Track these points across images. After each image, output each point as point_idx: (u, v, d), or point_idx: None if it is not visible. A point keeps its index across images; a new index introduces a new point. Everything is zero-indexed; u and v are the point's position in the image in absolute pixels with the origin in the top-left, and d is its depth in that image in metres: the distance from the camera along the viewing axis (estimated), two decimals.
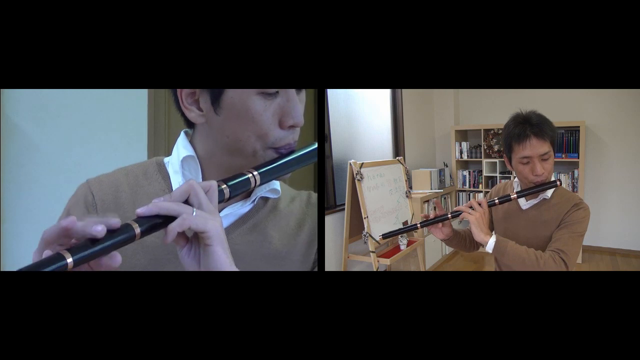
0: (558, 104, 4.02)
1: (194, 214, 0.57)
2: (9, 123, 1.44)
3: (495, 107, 4.59)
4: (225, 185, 0.62)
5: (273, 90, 0.69)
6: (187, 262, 0.62)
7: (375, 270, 2.78)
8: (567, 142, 4.05)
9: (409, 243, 3.14)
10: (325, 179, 2.87)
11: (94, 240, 0.54)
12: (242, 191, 0.65)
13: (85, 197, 0.71)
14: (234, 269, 0.62)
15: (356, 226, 2.82)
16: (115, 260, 0.57)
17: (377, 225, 2.81)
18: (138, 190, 0.73)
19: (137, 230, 0.57)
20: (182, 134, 0.76)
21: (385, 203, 3.00)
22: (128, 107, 1.69)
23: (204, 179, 0.68)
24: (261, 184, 0.66)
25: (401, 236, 3.07)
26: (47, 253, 0.53)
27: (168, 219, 0.57)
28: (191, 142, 0.74)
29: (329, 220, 2.87)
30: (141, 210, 0.58)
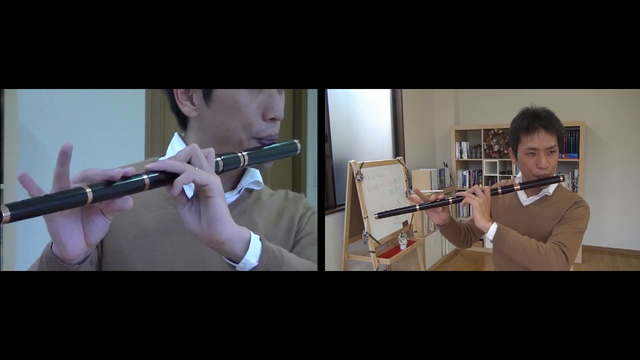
0: (558, 104, 3.98)
1: (197, 170, 0.64)
2: (24, 131, 1.67)
3: (495, 107, 4.58)
4: (219, 158, 0.71)
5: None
6: (189, 218, 0.66)
7: (375, 270, 2.78)
8: (567, 142, 4.04)
9: (409, 243, 3.14)
10: (325, 179, 2.87)
11: (110, 183, 0.62)
12: (233, 167, 0.73)
13: None
14: (232, 221, 0.67)
15: (356, 226, 2.82)
16: (127, 203, 0.63)
17: (377, 225, 2.81)
18: None
19: (147, 180, 0.64)
20: (176, 135, 0.85)
21: (385, 203, 3.00)
22: (127, 113, 1.91)
23: None
24: (249, 164, 0.75)
25: (401, 236, 3.07)
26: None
27: (172, 175, 0.64)
28: (184, 141, 0.83)
29: (329, 220, 2.87)
30: (150, 166, 0.64)
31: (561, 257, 1.19)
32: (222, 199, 0.65)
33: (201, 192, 0.65)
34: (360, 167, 2.77)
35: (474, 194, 1.24)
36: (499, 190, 1.29)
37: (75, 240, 0.62)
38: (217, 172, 0.69)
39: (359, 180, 2.74)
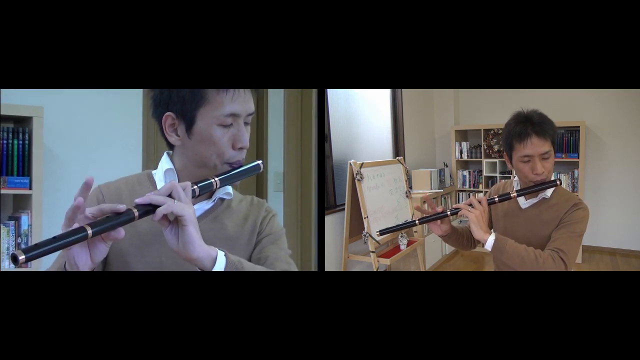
0: (558, 104, 4.02)
1: (175, 203, 0.81)
2: (49, 151, 2.18)
3: (495, 107, 4.58)
4: (196, 186, 0.88)
5: (229, 123, 0.93)
6: (169, 238, 0.82)
7: (375, 270, 2.78)
8: (567, 142, 4.05)
9: (409, 243, 3.14)
10: (325, 179, 2.87)
11: (106, 219, 0.78)
12: (207, 190, 0.91)
13: (97, 197, 0.98)
14: (202, 243, 0.82)
15: (356, 226, 2.82)
16: (120, 234, 0.80)
17: (377, 225, 2.81)
18: (134, 193, 0.97)
19: (136, 213, 0.80)
20: (165, 154, 1.01)
21: (385, 203, 3.00)
22: (128, 134, 2.43)
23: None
24: (220, 186, 0.93)
25: (401, 236, 3.07)
26: (75, 225, 0.76)
27: (156, 206, 0.81)
28: (171, 159, 1.00)
29: (329, 220, 2.87)
30: (139, 200, 0.81)
31: (559, 264, 1.20)
32: (194, 227, 0.81)
33: (178, 220, 0.81)
34: (360, 167, 2.77)
35: (471, 205, 1.25)
36: (496, 199, 1.29)
37: (84, 261, 0.79)
38: (195, 196, 0.87)
39: (359, 180, 2.74)
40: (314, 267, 2.85)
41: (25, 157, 2.01)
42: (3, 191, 1.93)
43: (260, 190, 2.85)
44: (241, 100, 0.93)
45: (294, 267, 0.98)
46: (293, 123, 2.84)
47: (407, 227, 1.34)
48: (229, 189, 1.01)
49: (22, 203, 2.07)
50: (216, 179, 0.91)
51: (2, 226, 1.96)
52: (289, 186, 2.84)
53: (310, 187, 2.84)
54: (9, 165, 1.97)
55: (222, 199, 1.02)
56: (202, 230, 0.85)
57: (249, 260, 0.98)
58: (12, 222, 2.00)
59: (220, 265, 0.83)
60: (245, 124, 0.96)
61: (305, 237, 2.85)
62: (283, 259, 0.98)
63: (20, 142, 2.01)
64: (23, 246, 1.78)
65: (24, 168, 2.00)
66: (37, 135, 2.01)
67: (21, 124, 2.06)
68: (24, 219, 2.00)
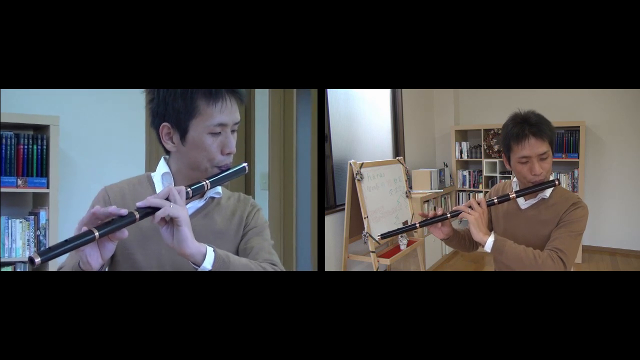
0: (558, 104, 4.02)
1: (171, 206, 0.92)
2: (64, 155, 2.48)
3: (495, 107, 4.58)
4: (189, 189, 0.99)
5: (218, 131, 1.05)
6: (165, 236, 0.93)
7: (375, 270, 2.78)
8: (567, 142, 4.04)
9: (409, 243, 3.14)
10: (325, 179, 2.87)
11: (110, 222, 0.89)
12: (200, 192, 1.04)
13: (104, 197, 1.10)
14: (194, 241, 0.93)
15: (356, 226, 2.82)
16: (124, 234, 0.91)
17: (377, 225, 2.81)
18: (135, 193, 1.10)
19: (137, 215, 0.91)
20: (162, 159, 1.14)
21: (385, 203, 3.00)
22: (132, 140, 2.75)
23: (175, 185, 1.06)
24: (211, 188, 1.05)
25: (401, 236, 3.07)
26: (84, 228, 0.88)
27: (155, 209, 0.92)
28: (167, 163, 1.12)
29: (329, 220, 2.87)
30: (140, 203, 0.93)
31: (558, 264, 1.20)
32: (188, 227, 0.93)
33: (173, 221, 0.92)
34: (360, 167, 2.77)
35: (470, 207, 1.25)
36: (495, 201, 1.30)
37: (95, 259, 0.90)
38: (188, 197, 0.98)
39: (359, 180, 2.74)
40: (294, 259, 3.07)
41: (44, 160, 2.31)
42: (24, 190, 2.29)
43: (248, 189, 3.19)
44: (228, 112, 1.04)
45: (275, 257, 1.08)
46: (277, 129, 3.22)
47: (408, 230, 1.33)
48: (219, 188, 1.14)
49: (40, 200, 2.36)
50: (207, 181, 1.03)
51: (23, 220, 2.30)
52: (273, 185, 3.20)
53: (292, 186, 3.21)
54: (29, 168, 2.29)
55: (212, 198, 1.14)
56: (195, 225, 0.96)
57: (237, 249, 1.11)
58: (31, 217, 2.31)
59: (209, 260, 0.93)
60: (232, 131, 1.08)
61: (288, 231, 3.18)
62: (266, 248, 1.10)
63: (39, 147, 2.30)
64: (41, 238, 2.24)
65: (42, 170, 2.31)
66: (53, 141, 2.31)
67: (40, 132, 2.36)
68: (42, 214, 2.29)
